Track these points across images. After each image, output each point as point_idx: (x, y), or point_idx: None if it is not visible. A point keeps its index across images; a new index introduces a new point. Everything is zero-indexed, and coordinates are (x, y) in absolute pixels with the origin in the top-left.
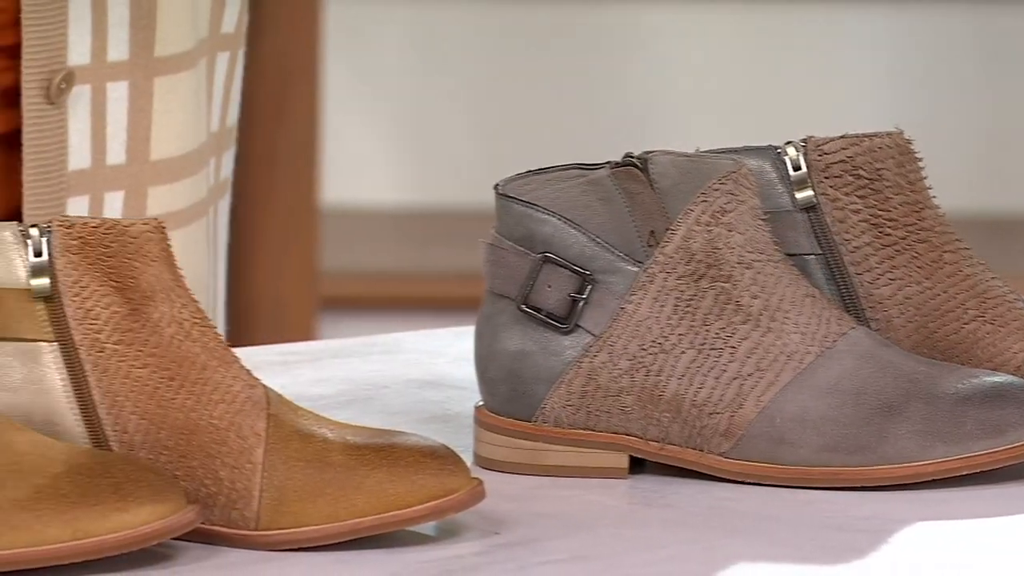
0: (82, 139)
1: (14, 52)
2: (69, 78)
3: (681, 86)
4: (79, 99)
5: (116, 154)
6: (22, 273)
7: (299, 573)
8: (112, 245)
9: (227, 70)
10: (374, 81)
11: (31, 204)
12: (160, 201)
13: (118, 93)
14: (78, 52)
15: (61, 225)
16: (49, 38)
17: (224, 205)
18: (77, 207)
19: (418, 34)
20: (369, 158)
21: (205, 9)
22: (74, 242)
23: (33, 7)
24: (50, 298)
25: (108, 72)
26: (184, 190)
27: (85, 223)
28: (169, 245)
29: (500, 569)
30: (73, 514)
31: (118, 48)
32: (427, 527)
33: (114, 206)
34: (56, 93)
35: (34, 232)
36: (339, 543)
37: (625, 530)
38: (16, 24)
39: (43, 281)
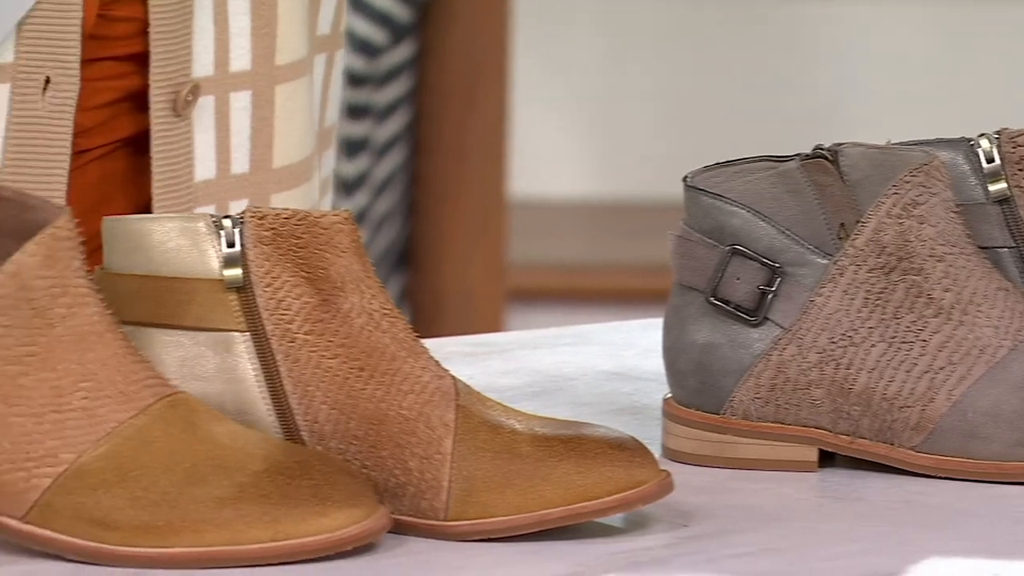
0: (207, 149)
1: (141, 59)
2: (195, 90)
3: (872, 78)
4: (204, 110)
5: (240, 163)
6: (215, 264)
7: (486, 564)
8: (303, 236)
9: (324, 72)
10: (563, 73)
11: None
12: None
13: (241, 103)
14: (202, 63)
15: (253, 216)
16: (175, 51)
17: (326, 203)
18: None
19: (607, 25)
20: (558, 150)
21: (312, 14)
22: (266, 233)
23: (160, 20)
24: (242, 288)
25: (231, 82)
26: (302, 195)
27: (277, 214)
28: (359, 236)
29: (689, 561)
30: (274, 515)
31: (240, 58)
32: (615, 519)
33: None
34: (183, 105)
35: (227, 223)
36: (526, 534)
37: (815, 523)
38: (143, 33)
39: (235, 272)
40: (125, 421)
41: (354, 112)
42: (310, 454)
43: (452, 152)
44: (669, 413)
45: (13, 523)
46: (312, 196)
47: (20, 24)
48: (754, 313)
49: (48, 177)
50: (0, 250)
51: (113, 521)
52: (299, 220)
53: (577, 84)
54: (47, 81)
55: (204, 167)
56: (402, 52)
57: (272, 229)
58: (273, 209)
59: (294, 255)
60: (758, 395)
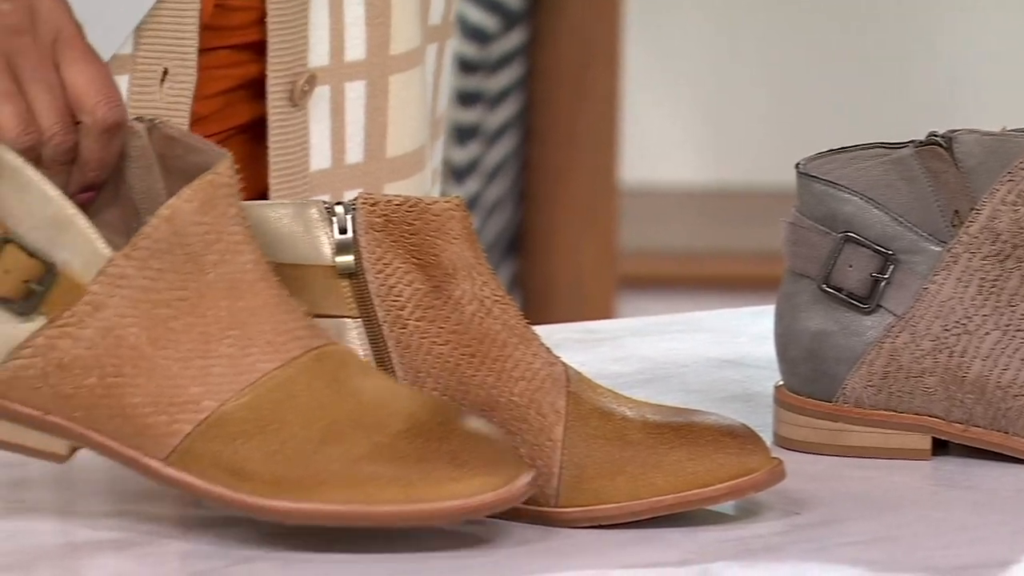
0: (322, 139)
1: (257, 48)
2: (311, 80)
3: (987, 64)
4: (320, 100)
5: (355, 153)
6: (327, 250)
7: (598, 550)
8: (415, 223)
9: (435, 61)
10: (674, 59)
11: None
12: None
13: (356, 93)
14: (318, 53)
15: (365, 203)
16: (292, 41)
17: (436, 192)
18: None
19: (719, 10)
20: (669, 136)
21: (424, 4)
22: (378, 219)
23: (278, 11)
24: (354, 275)
25: (346, 72)
26: (415, 184)
27: (389, 201)
28: (471, 223)
29: (800, 549)
30: (408, 478)
31: (355, 48)
32: (726, 506)
33: None
34: (299, 95)
35: (339, 210)
36: (637, 521)
37: (929, 512)
38: (259, 23)
39: (347, 258)
40: (270, 372)
41: (466, 99)
42: (457, 414)
43: (563, 139)
44: (781, 401)
45: (156, 464)
46: (425, 185)
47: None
48: (867, 300)
49: None
50: (172, 189)
51: (248, 472)
52: (411, 207)
53: (688, 70)
54: (165, 72)
55: (319, 157)
56: (514, 39)
57: (384, 215)
58: (385, 196)
59: (406, 241)
60: (871, 383)
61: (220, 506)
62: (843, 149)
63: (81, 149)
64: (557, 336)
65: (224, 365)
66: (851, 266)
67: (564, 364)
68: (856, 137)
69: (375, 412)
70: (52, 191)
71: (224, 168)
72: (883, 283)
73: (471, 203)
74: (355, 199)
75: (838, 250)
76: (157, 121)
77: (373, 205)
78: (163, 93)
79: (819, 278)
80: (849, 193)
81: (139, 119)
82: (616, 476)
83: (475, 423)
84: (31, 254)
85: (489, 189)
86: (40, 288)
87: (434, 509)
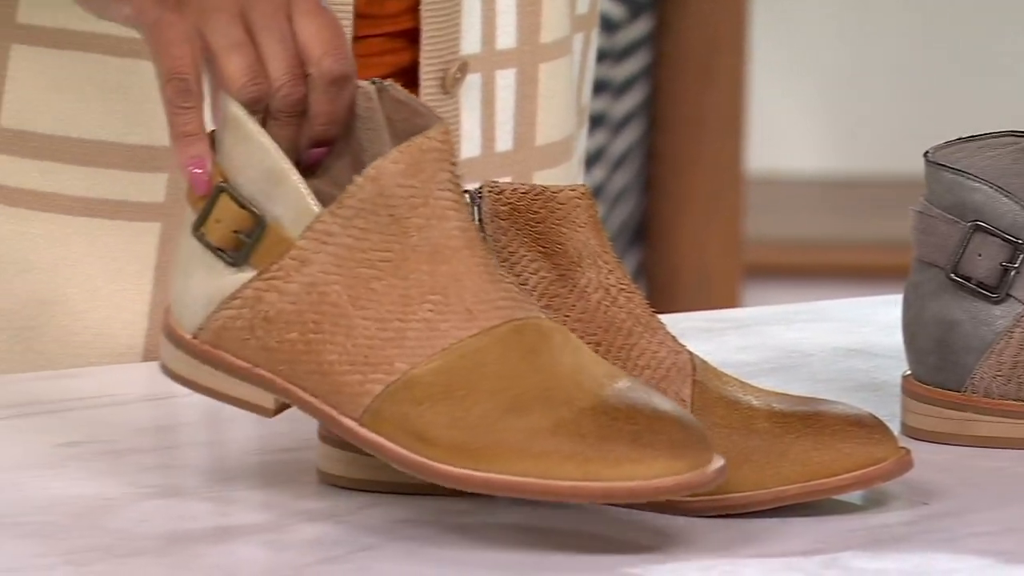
0: (473, 127)
1: (410, 35)
2: (463, 68)
3: None
4: (471, 88)
5: (504, 141)
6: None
7: (724, 540)
8: (540, 211)
9: (582, 51)
10: (802, 46)
11: None
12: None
13: (506, 81)
14: (470, 41)
15: (491, 191)
16: (445, 29)
17: (581, 181)
18: None
19: None
20: (796, 125)
21: None
22: (503, 208)
23: (431, 2)
24: None
25: (498, 60)
26: (563, 173)
27: (515, 189)
28: (596, 211)
29: (929, 539)
30: (587, 455)
31: (506, 36)
32: (853, 496)
33: None
34: (451, 83)
35: (465, 198)
36: (763, 510)
37: None
38: (413, 11)
39: None
40: (464, 339)
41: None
42: (643, 396)
43: (689, 127)
44: (908, 390)
45: (351, 424)
46: (572, 174)
47: None
48: (996, 290)
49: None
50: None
51: (432, 437)
52: (536, 195)
53: (816, 58)
54: None
55: (470, 144)
56: (640, 27)
57: (509, 204)
58: (510, 184)
59: (531, 230)
60: (1000, 372)
61: (403, 468)
62: (972, 137)
63: (310, 102)
64: (682, 325)
65: (420, 329)
66: (980, 255)
67: (690, 352)
68: (985, 125)
69: (565, 388)
70: (269, 144)
71: (436, 133)
72: (1013, 272)
73: (596, 191)
74: (481, 187)
75: (967, 239)
76: (387, 83)
77: (499, 193)
78: None
79: (947, 267)
80: (979, 182)
81: (370, 80)
82: (742, 465)
83: (668, 406)
84: (242, 205)
85: (614, 177)
86: (248, 240)
87: (609, 487)
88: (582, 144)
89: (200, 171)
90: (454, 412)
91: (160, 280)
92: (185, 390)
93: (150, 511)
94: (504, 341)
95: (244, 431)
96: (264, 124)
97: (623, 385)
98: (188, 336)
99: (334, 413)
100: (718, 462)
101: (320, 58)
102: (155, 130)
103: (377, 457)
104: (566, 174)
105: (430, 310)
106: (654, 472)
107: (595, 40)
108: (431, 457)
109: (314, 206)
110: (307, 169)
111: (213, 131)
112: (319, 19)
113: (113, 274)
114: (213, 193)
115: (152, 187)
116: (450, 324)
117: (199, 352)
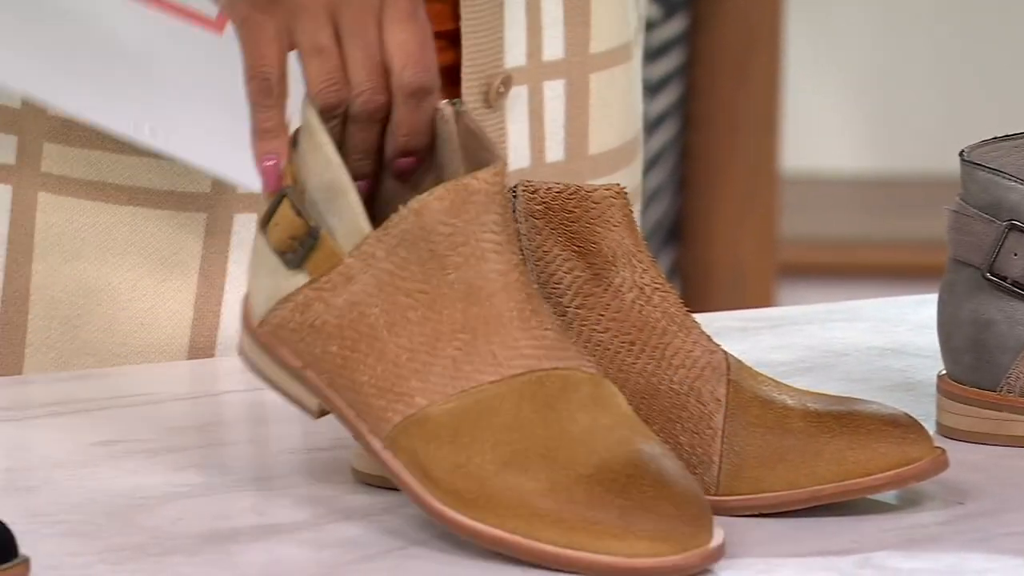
0: (521, 139)
1: (451, 36)
2: (507, 82)
3: None
4: (517, 100)
5: (555, 152)
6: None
7: (759, 539)
8: (575, 210)
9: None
10: (837, 45)
11: None
12: None
13: (555, 92)
14: (514, 54)
15: (525, 190)
16: (487, 43)
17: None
18: None
19: None
20: (831, 124)
21: (633, 3)
22: (538, 207)
23: (472, 14)
24: None
25: (544, 71)
26: (622, 179)
27: (549, 188)
28: (631, 211)
29: (964, 539)
30: (572, 524)
31: (553, 47)
32: (888, 496)
33: None
34: (495, 97)
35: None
36: (798, 510)
37: None
38: (455, 12)
39: None
40: (483, 384)
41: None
42: (647, 470)
43: (723, 126)
44: (943, 390)
45: (376, 445)
46: (634, 180)
47: None
48: None
49: None
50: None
51: (435, 476)
52: (571, 194)
53: (851, 57)
54: None
55: (518, 156)
56: (674, 26)
57: (544, 203)
58: (545, 183)
59: (566, 229)
60: None
61: (414, 501)
62: (1008, 136)
63: (393, 112)
64: (717, 324)
65: (445, 367)
66: (1016, 254)
67: (724, 352)
68: (1021, 124)
69: (571, 448)
70: (334, 157)
71: (486, 174)
72: None
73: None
74: (515, 186)
75: (1002, 238)
76: (463, 109)
77: (533, 192)
78: None
79: (983, 266)
80: (1014, 181)
81: (449, 102)
82: (776, 465)
83: (677, 480)
84: (299, 213)
85: (649, 177)
86: (301, 248)
87: (589, 560)
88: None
89: (272, 167)
90: (456, 458)
91: (205, 271)
92: (222, 388)
93: (186, 510)
94: (520, 392)
95: (281, 430)
96: (344, 125)
97: (637, 451)
98: (255, 324)
99: (364, 430)
100: (712, 543)
101: (402, 69)
102: None
103: None
104: (626, 180)
105: (457, 348)
106: (635, 551)
107: (642, 42)
108: (433, 495)
109: (365, 226)
110: (398, 177)
111: (298, 129)
112: (409, 28)
113: (157, 264)
114: (278, 195)
115: (198, 177)
116: (473, 367)
117: (261, 342)
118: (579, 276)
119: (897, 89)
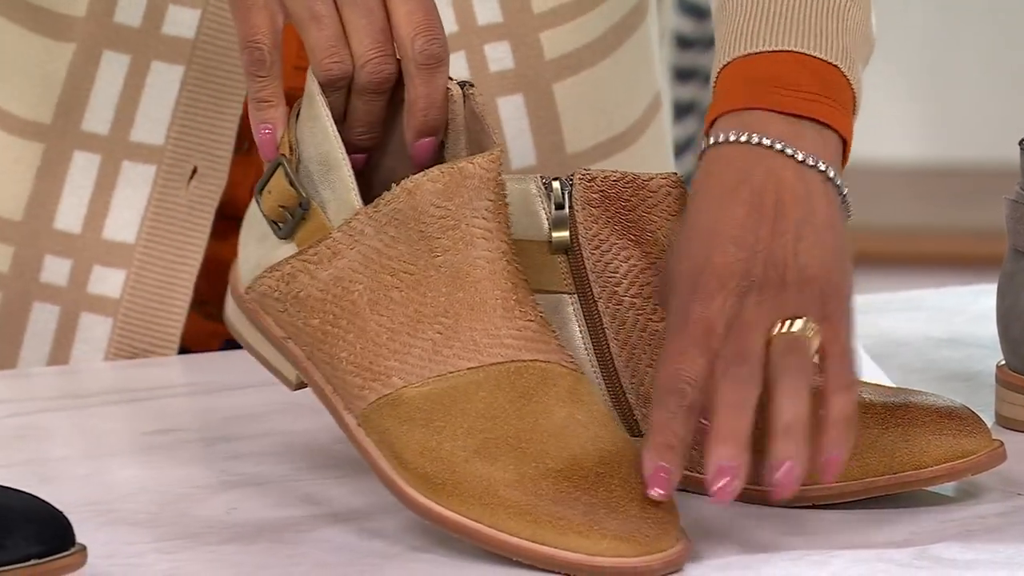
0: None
1: None
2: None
3: None
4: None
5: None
6: (544, 225)
7: (815, 530)
8: (631, 199)
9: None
10: (893, 33)
11: None
12: None
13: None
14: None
15: (582, 178)
16: None
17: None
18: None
19: None
20: (887, 114)
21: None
22: (594, 195)
23: None
24: (570, 250)
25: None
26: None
27: (606, 176)
28: (687, 199)
29: (1022, 531)
30: (536, 516)
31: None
32: (946, 487)
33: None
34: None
35: (556, 185)
36: (852, 502)
37: None
38: None
39: (563, 234)
40: (461, 370)
41: (682, 75)
42: (620, 468)
43: None
44: (1002, 380)
45: (351, 421)
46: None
47: None
48: None
49: None
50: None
51: (406, 460)
52: (627, 182)
53: (907, 44)
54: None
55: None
56: None
57: (601, 191)
58: (602, 171)
59: (622, 217)
60: None
61: (382, 481)
62: None
63: (406, 88)
64: None
65: (425, 349)
66: None
67: None
68: None
69: (543, 441)
70: (331, 129)
71: (483, 159)
72: None
73: (687, 179)
74: (572, 174)
75: None
76: (471, 91)
77: (590, 181)
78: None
79: None
80: None
81: (459, 82)
82: None
83: (635, 484)
84: (291, 183)
85: None
86: (291, 218)
87: (550, 554)
88: (664, 131)
89: (268, 136)
90: (428, 442)
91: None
92: (272, 379)
93: (239, 499)
94: (498, 381)
95: (332, 420)
96: (348, 97)
97: (609, 450)
98: (241, 290)
99: (339, 407)
100: (673, 551)
101: (413, 38)
102: (5, 199)
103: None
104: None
105: (438, 332)
106: (598, 550)
107: (653, 27)
108: (403, 479)
109: (356, 202)
110: (418, 164)
111: (301, 99)
112: None
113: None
114: (273, 164)
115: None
116: (452, 352)
117: (246, 309)
118: (635, 265)
119: (955, 78)
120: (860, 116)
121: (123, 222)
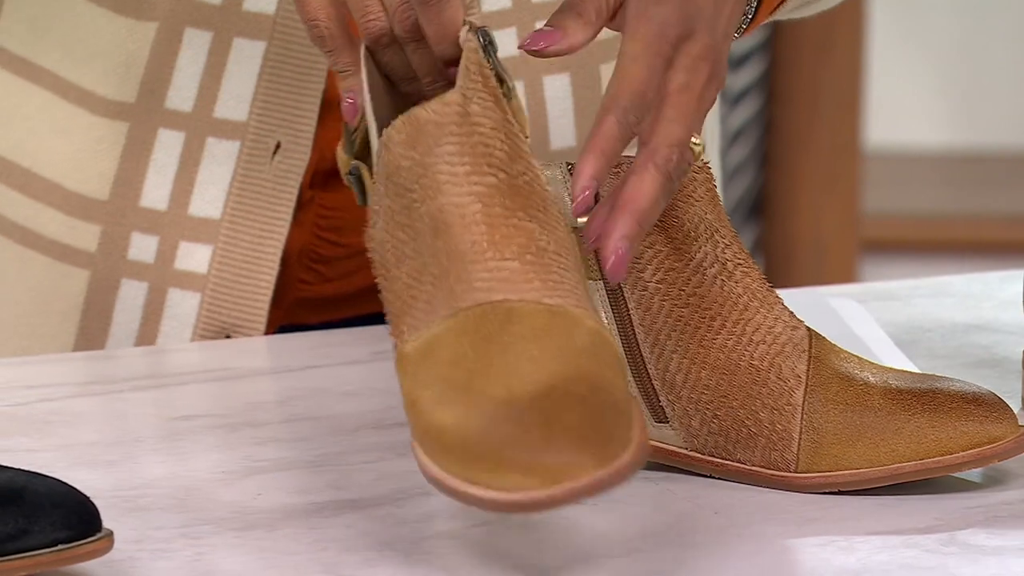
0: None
1: None
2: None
3: None
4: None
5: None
6: (569, 211)
7: (840, 516)
8: None
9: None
10: (921, 18)
11: None
12: None
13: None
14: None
15: None
16: None
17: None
18: None
19: None
20: (915, 98)
21: None
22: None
23: None
24: None
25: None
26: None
27: (632, 162)
28: (714, 185)
29: None
30: (466, 456)
31: None
32: (972, 474)
33: None
34: None
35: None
36: (879, 488)
37: None
38: None
39: (586, 220)
40: (442, 319)
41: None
42: (548, 400)
43: (806, 101)
44: None
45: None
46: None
47: None
48: None
49: None
50: None
51: (408, 413)
52: None
53: (935, 30)
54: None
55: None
56: None
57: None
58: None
59: None
60: None
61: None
62: None
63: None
64: (799, 300)
65: (425, 302)
66: None
67: (808, 328)
68: None
69: (485, 380)
70: (365, 91)
71: (435, 104)
72: None
73: (739, 169)
74: None
75: None
76: (489, 37)
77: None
78: None
79: None
80: None
81: (470, 27)
82: (856, 442)
83: (571, 414)
84: (345, 151)
85: (731, 152)
86: (356, 183)
87: (463, 490)
88: (710, 118)
89: (351, 104)
90: (411, 395)
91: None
92: (303, 363)
93: (266, 484)
94: (464, 326)
95: (362, 405)
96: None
97: (543, 383)
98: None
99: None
100: (584, 479)
101: None
102: (92, 179)
103: None
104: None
105: (431, 284)
106: (505, 484)
107: None
108: (412, 424)
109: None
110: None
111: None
112: None
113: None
114: (348, 131)
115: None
116: (440, 302)
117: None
118: (660, 251)
119: (981, 63)
120: (887, 101)
121: (209, 198)
